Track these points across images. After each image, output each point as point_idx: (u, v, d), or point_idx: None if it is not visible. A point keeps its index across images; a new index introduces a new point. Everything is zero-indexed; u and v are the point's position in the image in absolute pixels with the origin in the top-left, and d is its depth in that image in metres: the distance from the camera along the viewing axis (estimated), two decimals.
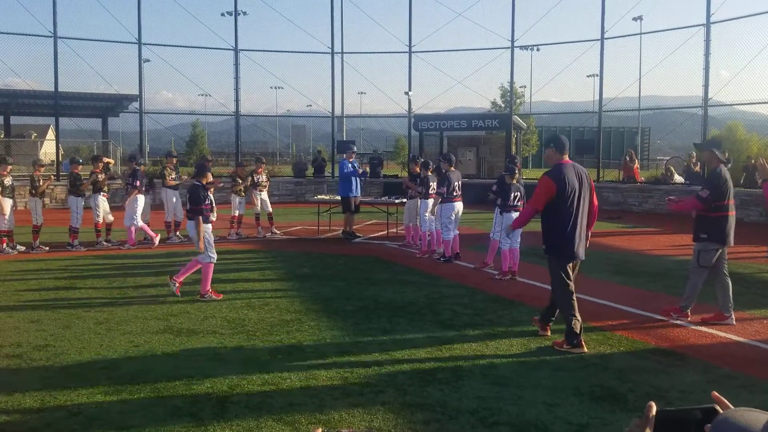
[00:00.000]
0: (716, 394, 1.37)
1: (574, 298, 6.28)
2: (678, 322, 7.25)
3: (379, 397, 5.00)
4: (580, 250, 6.32)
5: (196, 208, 8.28)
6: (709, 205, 7.02)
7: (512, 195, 9.83)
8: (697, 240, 7.24)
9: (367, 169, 20.59)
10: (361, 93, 73.90)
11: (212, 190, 8.73)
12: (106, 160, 13.89)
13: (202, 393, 5.06)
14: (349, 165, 14.21)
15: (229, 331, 6.84)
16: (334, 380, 5.35)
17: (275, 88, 53.40)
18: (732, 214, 7.15)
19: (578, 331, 6.14)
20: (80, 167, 13.25)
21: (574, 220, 6.21)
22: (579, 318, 6.18)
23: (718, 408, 1.30)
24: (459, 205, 11.25)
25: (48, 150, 38.37)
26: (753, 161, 20.88)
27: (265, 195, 14.75)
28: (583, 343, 6.18)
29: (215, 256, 8.42)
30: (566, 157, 6.42)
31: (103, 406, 4.86)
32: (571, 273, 6.35)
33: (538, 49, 47.02)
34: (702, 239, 7.18)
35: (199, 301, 8.20)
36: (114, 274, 10.09)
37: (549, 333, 6.66)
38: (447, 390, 5.15)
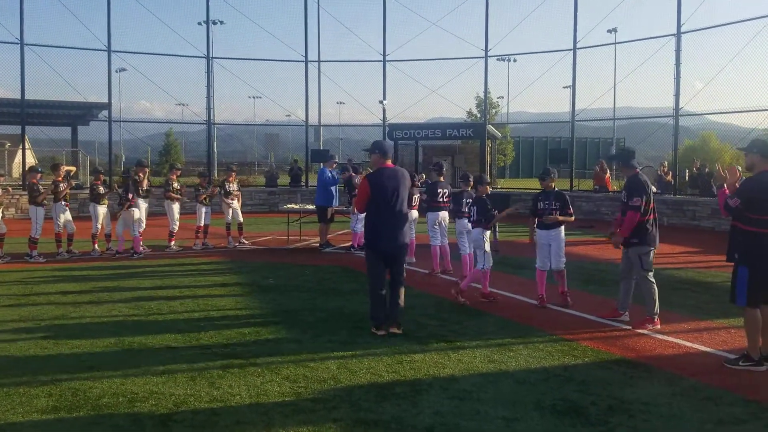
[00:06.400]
0: None
1: (378, 285, 7.04)
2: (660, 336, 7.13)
3: (331, 413, 4.77)
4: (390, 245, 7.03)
5: None
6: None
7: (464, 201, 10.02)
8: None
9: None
10: (340, 103, 73.86)
11: None
12: (66, 168, 13.52)
13: (146, 411, 4.80)
14: (329, 173, 14.01)
15: (182, 344, 6.57)
16: (286, 396, 5.11)
17: (253, 97, 53.11)
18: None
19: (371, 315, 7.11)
20: (39, 176, 12.89)
21: (386, 218, 6.98)
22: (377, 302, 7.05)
23: None
24: (443, 214, 11.15)
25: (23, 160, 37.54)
26: (707, 168, 21.13)
27: (236, 204, 14.47)
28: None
29: None
30: (390, 162, 7.24)
31: (39, 426, 4.57)
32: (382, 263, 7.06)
33: (514, 60, 47.49)
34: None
35: (155, 313, 7.93)
36: (71, 286, 9.75)
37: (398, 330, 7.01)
38: (404, 405, 4.93)
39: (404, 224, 7.17)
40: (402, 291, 7.13)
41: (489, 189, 9.23)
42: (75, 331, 7.14)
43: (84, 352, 6.34)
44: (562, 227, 8.43)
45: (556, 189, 8.61)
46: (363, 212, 7.46)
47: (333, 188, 13.97)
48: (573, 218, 8.45)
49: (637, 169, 7.58)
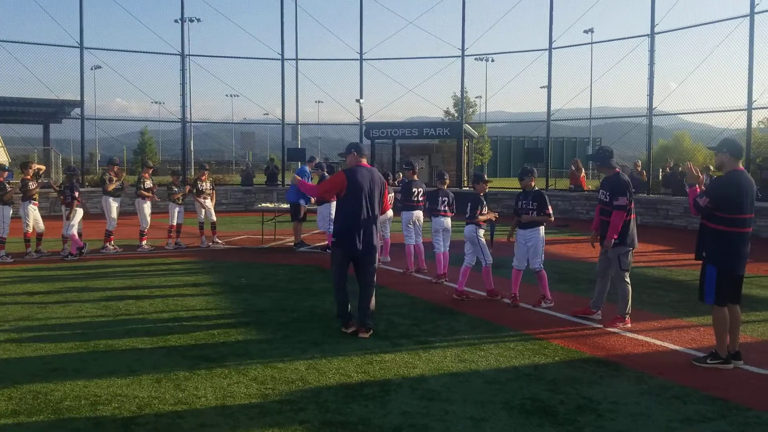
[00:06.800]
0: None
1: (343, 284, 6.95)
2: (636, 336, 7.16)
3: (298, 415, 4.70)
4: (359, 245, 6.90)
5: None
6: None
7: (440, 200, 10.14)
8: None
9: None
10: (319, 102, 73.68)
11: None
12: (36, 166, 13.27)
13: (108, 414, 4.69)
14: (308, 172, 13.89)
15: (149, 346, 6.46)
16: (253, 398, 5.04)
17: (231, 96, 52.71)
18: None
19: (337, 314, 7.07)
20: (6, 174, 12.62)
21: (358, 217, 6.86)
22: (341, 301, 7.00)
23: None
24: (417, 213, 11.10)
25: None
26: (680, 167, 21.40)
27: (209, 203, 14.31)
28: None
29: None
30: (365, 160, 7.17)
31: None
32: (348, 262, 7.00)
33: (492, 60, 47.70)
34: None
35: (123, 314, 7.79)
36: (38, 287, 9.56)
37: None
38: (372, 406, 4.89)
39: (375, 227, 7.01)
40: (372, 294, 7.00)
41: (486, 187, 9.17)
42: (40, 332, 6.98)
43: (48, 353, 6.21)
44: (541, 227, 8.39)
45: (536, 189, 8.58)
46: (320, 196, 7.86)
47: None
48: (551, 218, 8.38)
49: (617, 168, 7.57)
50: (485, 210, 8.85)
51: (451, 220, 10.25)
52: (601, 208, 7.52)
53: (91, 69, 29.77)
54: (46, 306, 8.24)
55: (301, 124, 29.27)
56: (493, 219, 9.07)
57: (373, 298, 7.06)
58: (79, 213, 12.45)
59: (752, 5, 18.10)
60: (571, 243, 15.10)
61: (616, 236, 7.23)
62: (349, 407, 4.86)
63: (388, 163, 27.52)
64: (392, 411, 4.79)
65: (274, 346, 6.49)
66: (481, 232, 8.85)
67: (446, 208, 10.10)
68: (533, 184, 8.52)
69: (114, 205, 13.40)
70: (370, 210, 6.93)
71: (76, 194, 12.34)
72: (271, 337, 6.80)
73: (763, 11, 18.11)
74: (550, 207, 8.35)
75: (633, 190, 7.50)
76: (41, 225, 12.59)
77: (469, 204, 8.83)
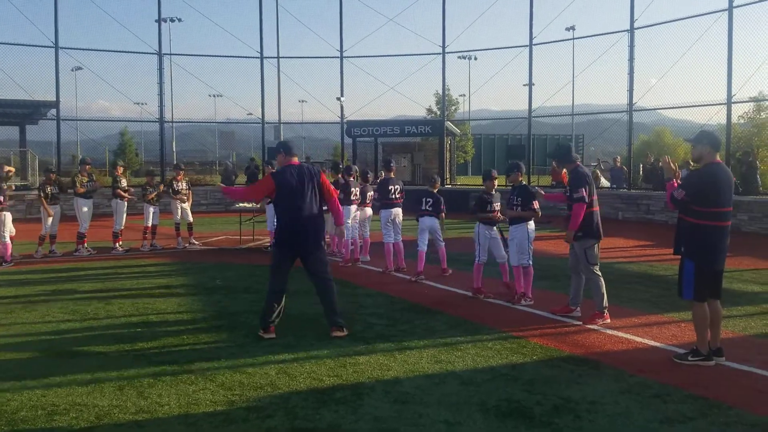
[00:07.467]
0: None
1: (278, 286, 6.75)
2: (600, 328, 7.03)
3: (265, 422, 4.51)
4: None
5: None
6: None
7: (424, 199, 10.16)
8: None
9: None
10: (302, 101, 73.45)
11: None
12: (7, 168, 12.92)
13: (64, 425, 4.47)
14: None
15: (115, 351, 6.23)
16: (219, 405, 4.83)
17: (214, 96, 52.18)
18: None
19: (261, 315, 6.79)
20: None
21: (295, 216, 6.68)
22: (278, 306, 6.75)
23: None
24: (396, 210, 10.91)
25: None
26: (659, 162, 21.38)
27: (186, 204, 14.05)
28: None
29: None
30: (295, 159, 7.01)
31: None
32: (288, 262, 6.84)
33: (475, 58, 47.63)
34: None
35: (90, 318, 7.55)
36: (5, 291, 9.27)
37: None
38: (343, 411, 4.70)
39: (315, 223, 6.82)
40: (332, 291, 6.82)
41: (495, 184, 8.96)
42: (2, 338, 6.72)
43: (9, 359, 5.98)
44: (529, 222, 8.27)
45: (522, 183, 8.47)
46: (248, 199, 8.28)
47: None
48: (538, 213, 8.22)
49: (578, 162, 7.53)
50: (496, 207, 8.66)
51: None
52: (567, 203, 7.49)
53: (72, 70, 29.35)
54: (13, 311, 7.97)
55: (284, 123, 29.01)
56: (500, 217, 8.83)
57: (335, 295, 6.85)
58: (8, 218, 11.84)
59: None
60: (553, 239, 14.98)
61: (575, 229, 7.14)
62: (319, 413, 4.67)
63: (371, 161, 27.33)
64: (363, 416, 4.61)
65: (245, 349, 6.28)
66: (484, 229, 8.65)
67: (429, 208, 10.03)
68: (520, 179, 8.41)
69: (85, 208, 13.09)
70: (307, 207, 6.73)
71: (1, 198, 11.82)
72: (243, 341, 6.59)
73: (741, 5, 18.13)
74: (536, 201, 8.20)
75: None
76: (11, 228, 12.23)
77: (474, 202, 8.73)
